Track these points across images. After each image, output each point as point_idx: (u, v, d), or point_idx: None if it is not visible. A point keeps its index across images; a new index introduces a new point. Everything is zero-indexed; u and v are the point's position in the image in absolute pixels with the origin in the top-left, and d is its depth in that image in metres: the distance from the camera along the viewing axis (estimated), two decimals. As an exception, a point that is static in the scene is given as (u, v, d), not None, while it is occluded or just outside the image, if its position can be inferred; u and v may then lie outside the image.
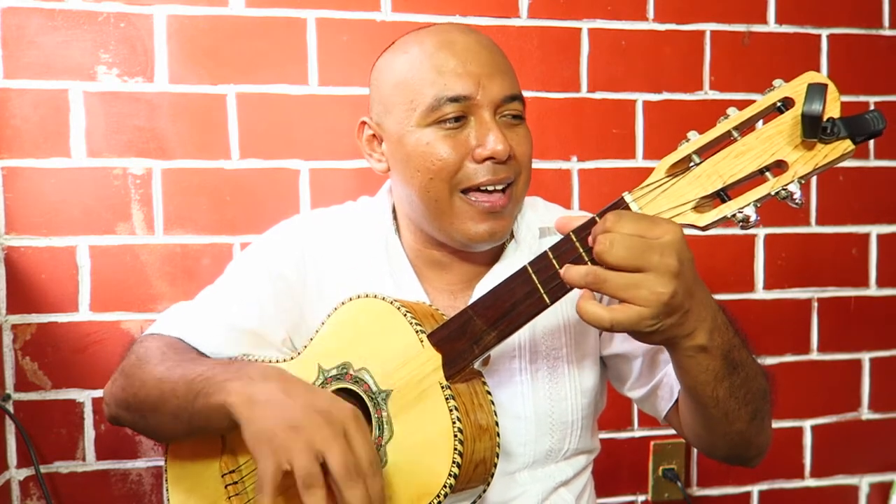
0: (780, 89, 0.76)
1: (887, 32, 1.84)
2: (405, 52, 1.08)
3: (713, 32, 1.77)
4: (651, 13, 1.74)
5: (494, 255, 1.15)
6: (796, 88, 0.75)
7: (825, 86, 0.72)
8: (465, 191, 1.04)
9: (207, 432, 0.99)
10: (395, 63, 1.09)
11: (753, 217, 0.77)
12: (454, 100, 1.02)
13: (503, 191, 1.04)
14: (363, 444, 0.82)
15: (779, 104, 0.76)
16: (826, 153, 0.74)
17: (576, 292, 0.84)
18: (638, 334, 0.82)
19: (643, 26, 1.74)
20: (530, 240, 1.16)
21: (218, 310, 1.13)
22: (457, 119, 1.03)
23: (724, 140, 0.79)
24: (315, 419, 0.82)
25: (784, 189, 0.75)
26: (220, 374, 0.91)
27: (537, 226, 1.17)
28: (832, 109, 0.73)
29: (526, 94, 1.68)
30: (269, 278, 1.15)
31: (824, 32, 1.81)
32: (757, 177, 0.77)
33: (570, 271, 0.81)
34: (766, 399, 0.98)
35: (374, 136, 1.13)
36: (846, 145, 0.73)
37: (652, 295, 0.76)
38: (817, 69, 1.82)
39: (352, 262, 1.15)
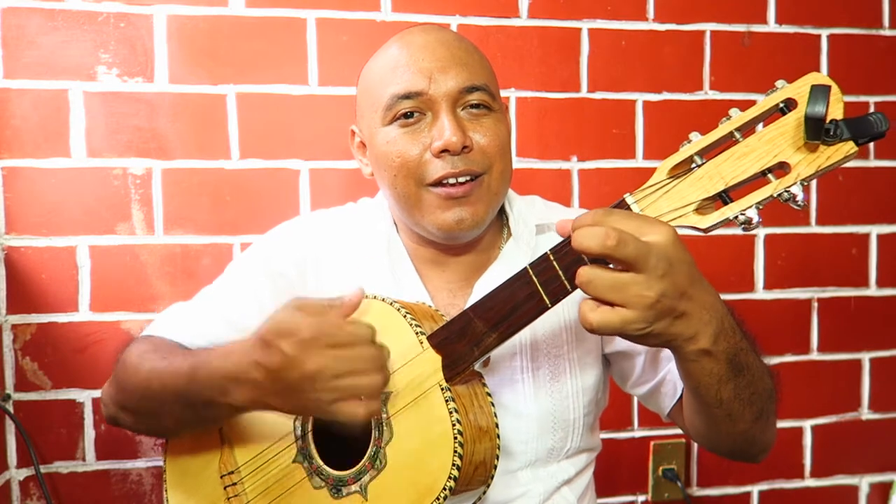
0: (783, 90, 0.76)
1: (887, 32, 1.83)
2: (375, 58, 1.13)
3: (713, 32, 1.77)
4: (651, 13, 1.74)
5: (491, 252, 1.16)
6: (799, 90, 0.75)
7: (829, 87, 0.72)
8: (431, 185, 1.05)
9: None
10: (366, 70, 1.14)
11: (756, 219, 0.76)
12: (406, 96, 1.05)
13: (466, 183, 1.05)
14: (306, 321, 0.87)
15: (781, 105, 0.76)
16: (829, 155, 0.74)
17: (577, 293, 0.84)
18: (629, 337, 0.80)
19: (643, 26, 1.74)
20: (527, 237, 1.16)
21: (219, 308, 1.14)
22: (412, 114, 1.06)
23: (726, 141, 0.79)
24: (274, 372, 0.85)
25: (786, 191, 0.75)
26: (205, 386, 0.93)
27: (534, 223, 1.18)
28: (835, 111, 0.73)
29: (526, 94, 1.71)
30: (269, 277, 1.15)
31: (824, 32, 1.81)
32: (759, 178, 0.77)
33: None
34: (771, 399, 0.98)
35: (362, 142, 1.17)
36: (849, 147, 0.73)
37: (636, 297, 0.75)
38: (817, 69, 1.82)
39: (353, 262, 1.16)
